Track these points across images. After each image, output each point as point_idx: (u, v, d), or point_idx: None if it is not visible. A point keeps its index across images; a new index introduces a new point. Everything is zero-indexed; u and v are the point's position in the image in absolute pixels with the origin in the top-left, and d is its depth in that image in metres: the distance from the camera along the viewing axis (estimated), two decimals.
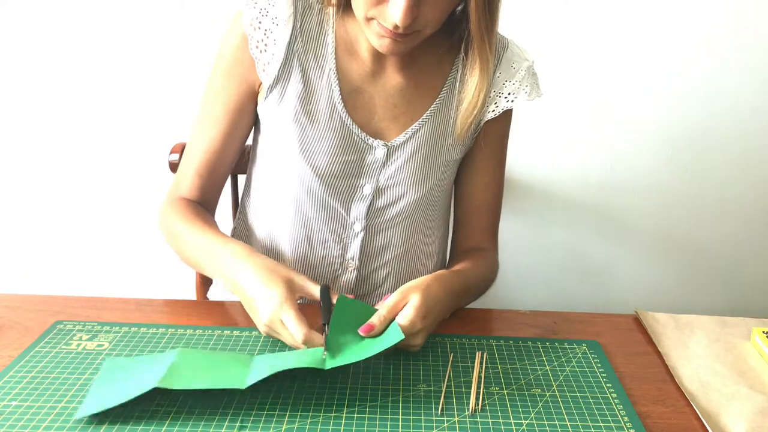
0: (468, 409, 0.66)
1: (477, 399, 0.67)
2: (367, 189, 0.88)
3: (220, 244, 0.80)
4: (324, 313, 0.73)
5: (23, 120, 1.40)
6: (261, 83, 0.87)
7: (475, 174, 0.95)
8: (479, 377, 0.71)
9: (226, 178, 0.96)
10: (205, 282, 1.16)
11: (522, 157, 1.42)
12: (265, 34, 0.84)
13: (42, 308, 0.83)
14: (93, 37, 1.34)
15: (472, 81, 0.84)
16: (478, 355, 0.75)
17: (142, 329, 0.79)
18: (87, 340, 0.76)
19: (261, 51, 0.85)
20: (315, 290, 0.75)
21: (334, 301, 0.72)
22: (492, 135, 0.93)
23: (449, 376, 0.71)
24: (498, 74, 0.90)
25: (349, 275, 0.92)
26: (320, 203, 0.88)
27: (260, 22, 0.84)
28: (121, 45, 1.34)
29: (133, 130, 1.39)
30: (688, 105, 1.39)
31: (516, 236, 1.48)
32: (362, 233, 0.90)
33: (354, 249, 0.91)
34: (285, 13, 0.84)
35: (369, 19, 0.75)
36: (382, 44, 0.77)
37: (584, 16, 1.32)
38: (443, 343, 0.78)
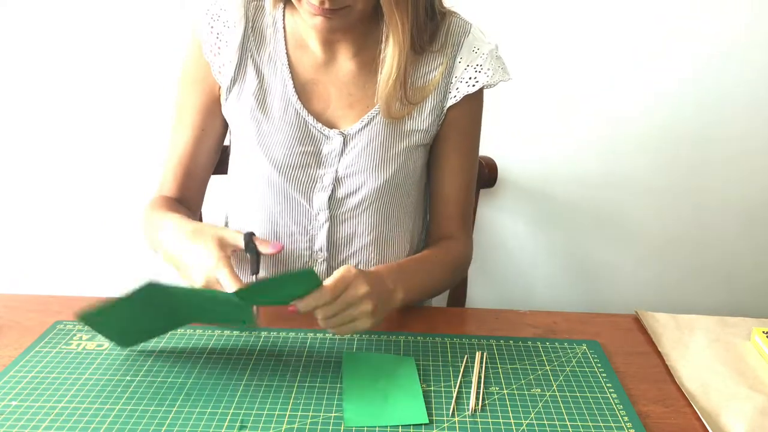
0: (468, 409, 0.66)
1: (477, 399, 0.67)
2: (327, 179, 0.88)
3: (165, 219, 0.83)
4: (251, 264, 0.74)
5: (23, 120, 1.40)
6: (220, 86, 0.90)
7: (443, 162, 0.94)
8: (479, 377, 0.71)
9: (206, 179, 0.98)
10: None
11: (522, 157, 1.42)
12: (217, 37, 0.88)
13: (42, 308, 0.83)
14: (92, 37, 1.34)
15: (387, 51, 0.82)
16: (478, 354, 0.75)
17: None
18: (87, 340, 0.76)
19: (215, 54, 0.89)
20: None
21: (261, 249, 0.74)
22: (457, 121, 0.92)
23: (452, 377, 0.71)
24: (459, 59, 0.89)
25: (320, 267, 0.93)
26: (283, 196, 0.90)
27: (212, 27, 0.88)
28: (120, 45, 1.34)
29: (133, 130, 1.39)
30: (688, 104, 1.39)
31: (516, 236, 1.48)
32: (327, 224, 0.90)
33: (321, 240, 0.91)
34: (236, 16, 0.88)
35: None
36: (315, 23, 0.78)
37: (584, 14, 1.32)
38: (443, 343, 0.78)
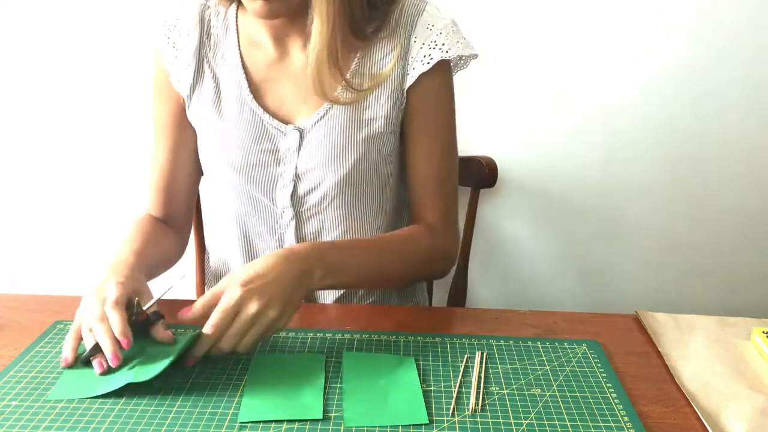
0: (468, 409, 0.66)
1: (477, 399, 0.67)
2: (287, 176, 0.88)
3: (121, 241, 0.84)
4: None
5: (24, 120, 1.40)
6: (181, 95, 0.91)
7: (411, 146, 0.91)
8: (479, 377, 0.71)
9: (190, 194, 0.98)
10: (204, 282, 1.16)
11: (522, 157, 1.42)
12: (174, 47, 0.90)
13: (42, 308, 0.83)
14: (93, 37, 1.34)
15: (311, 27, 0.79)
16: (478, 354, 0.75)
17: None
18: None
19: (173, 64, 0.90)
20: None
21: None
22: (419, 102, 0.88)
23: (452, 376, 0.71)
24: (414, 39, 0.86)
25: None
26: (246, 197, 0.90)
27: (168, 37, 0.90)
28: (120, 45, 1.34)
29: (133, 130, 1.39)
30: (689, 104, 1.39)
31: (516, 236, 1.48)
32: (293, 221, 0.90)
33: (289, 238, 0.91)
34: (190, 24, 0.89)
35: None
36: (255, 8, 0.78)
37: (583, 13, 1.32)
38: (443, 343, 0.78)
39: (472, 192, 1.17)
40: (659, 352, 0.79)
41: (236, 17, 0.90)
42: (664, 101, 1.38)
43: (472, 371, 0.72)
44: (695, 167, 1.44)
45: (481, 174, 1.15)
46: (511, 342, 0.79)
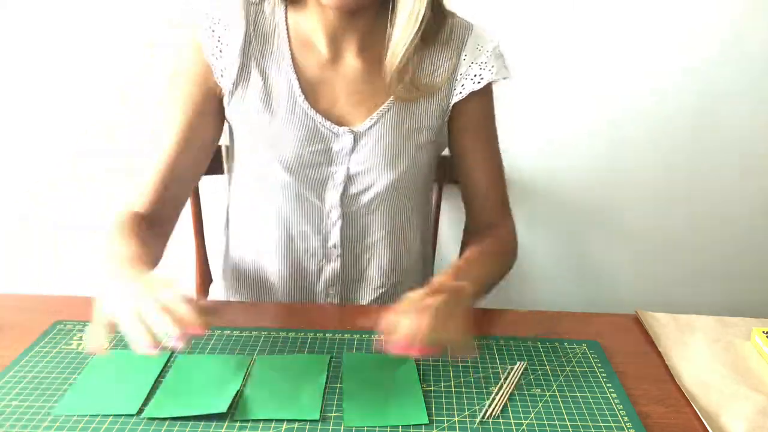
0: (479, 414, 0.66)
1: (496, 406, 0.67)
2: (339, 177, 0.88)
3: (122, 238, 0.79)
4: None
5: (24, 120, 1.40)
6: (221, 89, 0.88)
7: (467, 155, 0.95)
8: (510, 386, 0.70)
9: (186, 191, 0.94)
10: (204, 282, 1.16)
11: (522, 157, 1.42)
12: (219, 40, 0.87)
13: (42, 308, 0.83)
14: (93, 38, 1.34)
15: (392, 32, 0.82)
16: (519, 364, 0.74)
17: None
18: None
19: (216, 58, 0.87)
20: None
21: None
22: (469, 116, 0.93)
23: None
24: (464, 56, 0.90)
25: (334, 264, 0.93)
26: (294, 196, 0.89)
27: (213, 30, 0.87)
28: (120, 45, 1.34)
29: (132, 129, 1.39)
30: (688, 105, 1.39)
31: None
32: (340, 221, 0.91)
33: (334, 237, 0.91)
34: (236, 19, 0.87)
35: None
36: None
37: (584, 16, 1.32)
38: None
39: None
40: (659, 352, 0.79)
41: (285, 16, 0.89)
42: (664, 102, 1.38)
43: (472, 371, 0.72)
44: (695, 167, 1.44)
45: None
46: (511, 342, 0.79)
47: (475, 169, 0.96)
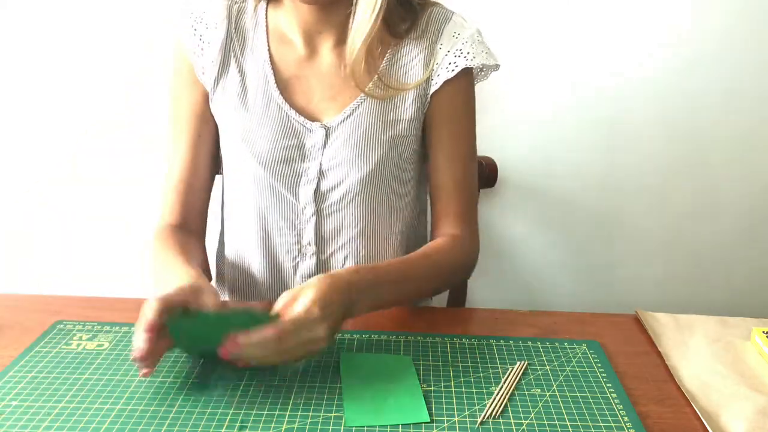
0: (479, 413, 0.66)
1: (497, 406, 0.67)
2: (312, 172, 0.89)
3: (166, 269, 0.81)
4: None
5: (24, 120, 1.40)
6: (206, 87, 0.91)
7: (434, 150, 0.92)
8: (510, 385, 0.70)
9: (207, 196, 0.98)
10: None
11: (522, 157, 1.41)
12: (200, 39, 0.90)
13: (42, 308, 0.83)
14: (92, 38, 1.34)
15: (353, 23, 0.81)
16: (519, 364, 0.74)
17: None
18: (87, 340, 0.76)
19: (198, 56, 0.90)
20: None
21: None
22: (442, 108, 0.90)
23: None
24: (440, 46, 0.89)
25: (309, 261, 0.93)
26: (269, 191, 0.90)
27: (195, 29, 0.90)
28: (120, 45, 1.34)
29: (132, 129, 1.39)
30: (688, 104, 1.39)
31: (516, 236, 1.48)
32: (314, 217, 0.90)
33: (309, 234, 0.91)
34: (218, 18, 0.90)
35: None
36: None
37: (584, 15, 1.32)
38: (443, 343, 0.78)
39: None
40: (659, 352, 0.79)
41: (266, 13, 0.91)
42: (664, 101, 1.38)
43: (472, 371, 0.72)
44: (695, 167, 1.44)
45: (481, 174, 1.14)
46: (511, 342, 0.79)
47: (438, 169, 0.92)
